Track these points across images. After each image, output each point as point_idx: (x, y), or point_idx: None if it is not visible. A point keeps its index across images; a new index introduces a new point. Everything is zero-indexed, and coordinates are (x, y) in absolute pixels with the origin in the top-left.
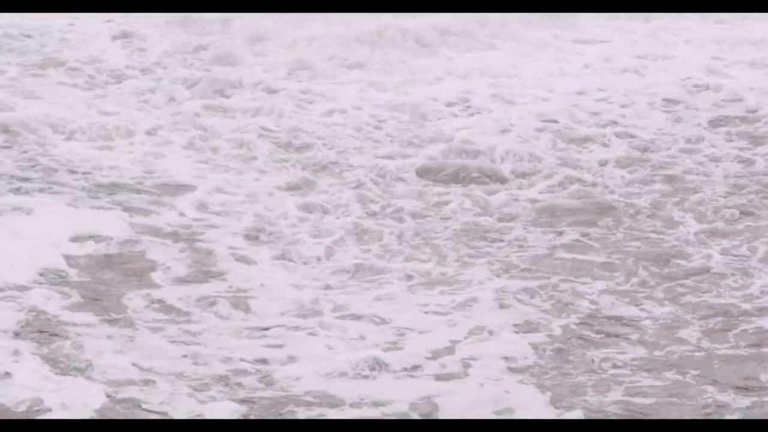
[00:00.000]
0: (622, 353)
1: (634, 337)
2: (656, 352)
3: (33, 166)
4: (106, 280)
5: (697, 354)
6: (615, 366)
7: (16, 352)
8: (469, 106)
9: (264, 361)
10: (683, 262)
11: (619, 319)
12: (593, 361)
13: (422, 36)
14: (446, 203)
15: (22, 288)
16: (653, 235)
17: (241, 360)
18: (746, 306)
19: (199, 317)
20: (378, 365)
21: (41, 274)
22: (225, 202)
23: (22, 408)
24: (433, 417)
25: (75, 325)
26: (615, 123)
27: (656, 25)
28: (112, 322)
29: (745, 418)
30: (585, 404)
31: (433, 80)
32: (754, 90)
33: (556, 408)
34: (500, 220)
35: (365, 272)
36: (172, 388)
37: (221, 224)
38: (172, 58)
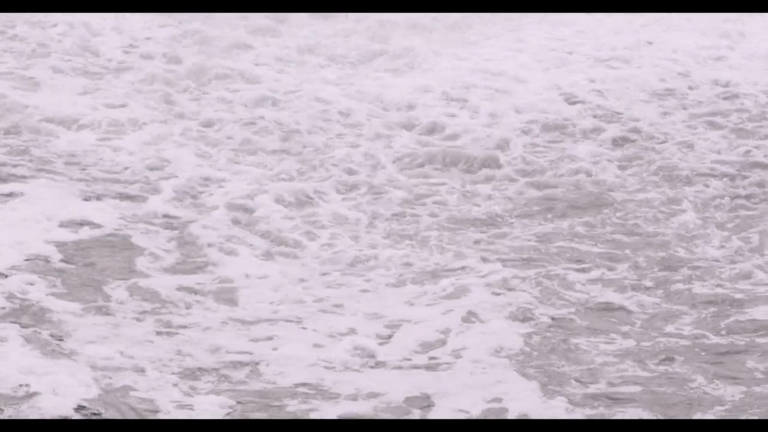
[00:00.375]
0: (610, 342)
1: (625, 326)
2: (645, 342)
3: (26, 155)
4: (94, 267)
5: (686, 344)
6: (604, 354)
7: (1, 338)
8: (459, 98)
9: (252, 353)
10: (677, 253)
11: (610, 308)
12: (583, 350)
13: (410, 28)
14: (437, 193)
15: (8, 273)
16: (647, 226)
17: (229, 352)
18: (739, 296)
19: (186, 308)
20: (369, 357)
21: (28, 260)
22: (216, 193)
23: (9, 392)
24: (428, 409)
25: (60, 312)
26: (609, 115)
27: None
28: (97, 309)
29: (734, 407)
30: (571, 393)
31: (423, 72)
32: (750, 82)
33: (545, 396)
34: (492, 209)
35: (356, 264)
36: (160, 377)
37: (211, 215)
38: (167, 49)
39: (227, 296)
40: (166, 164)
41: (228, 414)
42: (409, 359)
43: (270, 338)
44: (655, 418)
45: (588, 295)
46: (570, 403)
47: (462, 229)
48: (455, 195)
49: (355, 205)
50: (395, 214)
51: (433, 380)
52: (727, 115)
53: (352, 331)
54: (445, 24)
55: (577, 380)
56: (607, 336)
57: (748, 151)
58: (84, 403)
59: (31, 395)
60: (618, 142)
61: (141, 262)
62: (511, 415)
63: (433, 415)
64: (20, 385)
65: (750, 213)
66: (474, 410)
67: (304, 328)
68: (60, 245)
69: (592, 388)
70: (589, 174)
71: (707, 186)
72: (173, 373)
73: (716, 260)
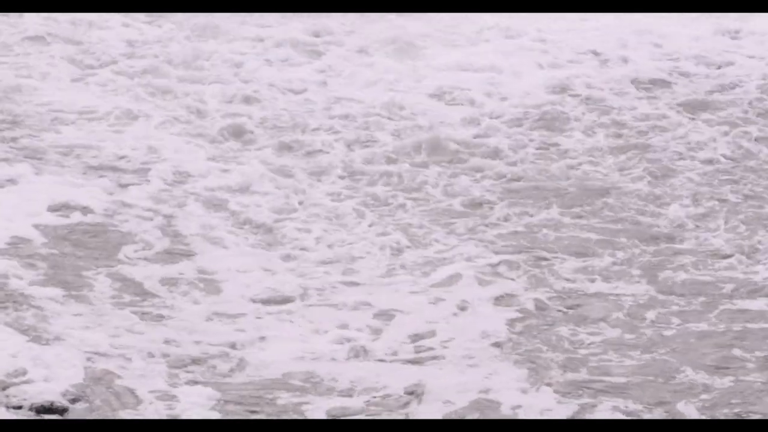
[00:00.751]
0: (598, 331)
1: (613, 315)
2: (632, 331)
3: (17, 142)
4: (78, 254)
5: (675, 333)
6: (591, 343)
7: None
8: (450, 90)
9: (238, 346)
10: (667, 243)
11: (598, 297)
12: (571, 338)
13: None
14: (426, 183)
15: None
16: (637, 216)
17: (214, 344)
18: (730, 286)
19: (170, 298)
20: (358, 349)
21: (10, 244)
22: (204, 184)
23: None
24: (418, 402)
25: (42, 298)
26: (601, 108)
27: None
28: (80, 297)
29: (720, 396)
30: (558, 382)
31: (414, 70)
32: (745, 75)
33: (533, 386)
34: (481, 199)
35: (343, 255)
36: (145, 367)
37: (198, 206)
38: (158, 41)
39: (212, 287)
40: (156, 154)
41: (215, 405)
42: (399, 350)
43: (256, 330)
44: (642, 406)
45: (576, 284)
46: (557, 393)
47: (450, 218)
48: (443, 185)
49: (342, 196)
50: (382, 205)
51: (422, 372)
52: (722, 108)
53: (340, 323)
54: (434, 27)
55: (564, 369)
56: (595, 325)
57: (740, 144)
58: (72, 389)
59: (18, 379)
60: (610, 135)
61: (126, 251)
62: (500, 406)
63: (423, 408)
64: (10, 370)
65: (742, 204)
66: (462, 402)
67: (291, 321)
68: (45, 230)
69: (580, 377)
70: (579, 165)
71: (699, 177)
72: (158, 363)
73: (706, 251)
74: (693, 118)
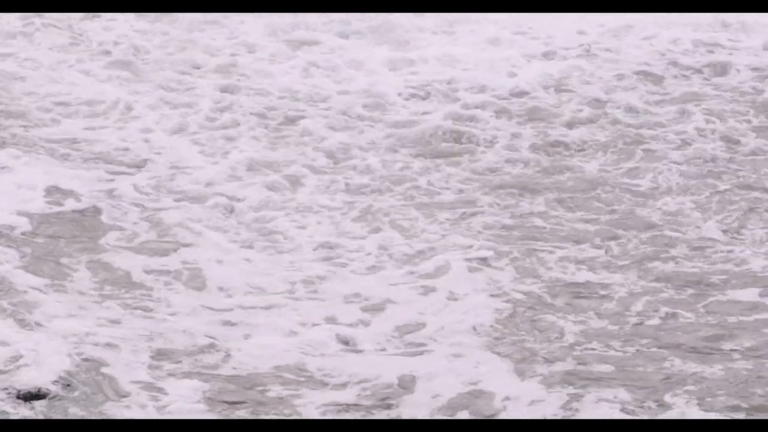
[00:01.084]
0: (587, 321)
1: (601, 305)
2: (621, 321)
3: (8, 131)
4: (64, 242)
5: (664, 323)
6: (580, 333)
7: None
8: (438, 84)
9: (225, 339)
10: (657, 234)
11: (587, 287)
12: (560, 328)
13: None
14: (414, 176)
15: None
16: (627, 207)
17: (200, 336)
18: (719, 277)
19: (157, 289)
20: (347, 342)
21: None
22: (192, 176)
23: None
24: (408, 394)
25: (23, 286)
26: (591, 101)
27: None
28: (62, 285)
29: (707, 387)
30: (546, 372)
31: (404, 64)
32: (735, 66)
33: (521, 377)
34: (468, 190)
35: (332, 248)
36: (130, 358)
37: (186, 198)
38: (153, 33)
39: (198, 280)
40: (147, 146)
41: (202, 397)
42: (388, 342)
43: (243, 323)
44: (630, 397)
45: (565, 274)
46: (545, 383)
47: (438, 210)
48: (432, 177)
49: (330, 189)
50: (370, 197)
51: (412, 364)
52: (713, 99)
53: (329, 316)
54: (419, 20)
55: (552, 359)
56: (584, 314)
57: (731, 135)
58: (57, 377)
59: (10, 366)
60: (601, 127)
61: (111, 241)
62: (491, 397)
63: (414, 400)
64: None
65: (735, 195)
66: (452, 394)
67: (279, 314)
68: (31, 217)
69: (569, 367)
70: (571, 157)
71: (691, 168)
72: (145, 354)
73: (697, 241)
74: (684, 111)
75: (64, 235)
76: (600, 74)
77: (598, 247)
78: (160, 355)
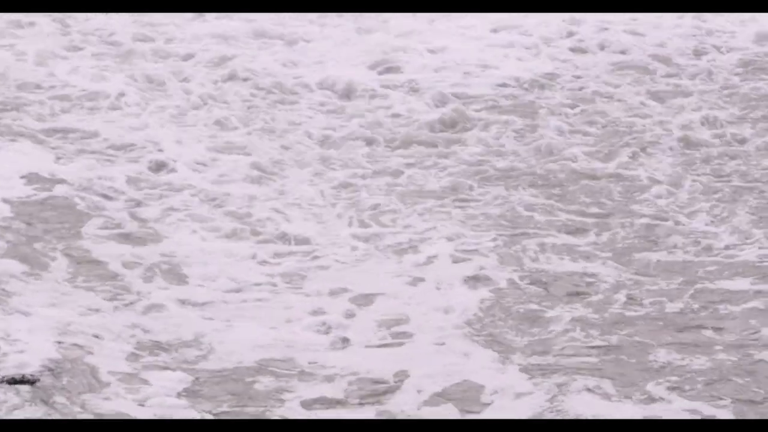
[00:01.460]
0: (573, 311)
1: (587, 295)
2: (606, 310)
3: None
4: (45, 229)
5: (649, 313)
6: (565, 323)
7: None
8: (424, 78)
9: (210, 331)
10: (648, 225)
11: (573, 276)
12: (546, 318)
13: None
14: (400, 167)
15: None
16: (614, 197)
17: (183, 328)
18: (708, 268)
19: (140, 281)
20: (332, 335)
21: None
22: (179, 168)
23: None
24: (395, 388)
25: (7, 274)
26: (580, 93)
27: None
28: (41, 276)
29: (691, 378)
30: (531, 363)
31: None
32: (722, 56)
33: (506, 367)
34: (458, 182)
35: (316, 239)
36: (113, 349)
37: (172, 190)
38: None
39: (180, 272)
40: (131, 136)
41: (186, 389)
42: (374, 335)
43: (226, 317)
44: (614, 389)
45: (551, 264)
46: (531, 373)
47: (423, 200)
48: (418, 168)
49: (314, 181)
50: (356, 189)
51: (399, 356)
52: (700, 93)
53: (315, 308)
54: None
55: (537, 350)
56: (570, 305)
57: (720, 127)
58: (47, 362)
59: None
60: (589, 120)
61: (93, 230)
62: (479, 389)
63: (403, 393)
64: None
65: (723, 187)
66: (440, 386)
67: (262, 308)
68: (12, 204)
69: (553, 358)
70: (560, 151)
71: (680, 161)
72: (127, 345)
73: (686, 232)
74: (673, 104)
75: (45, 223)
76: (589, 68)
77: (586, 238)
78: (142, 347)
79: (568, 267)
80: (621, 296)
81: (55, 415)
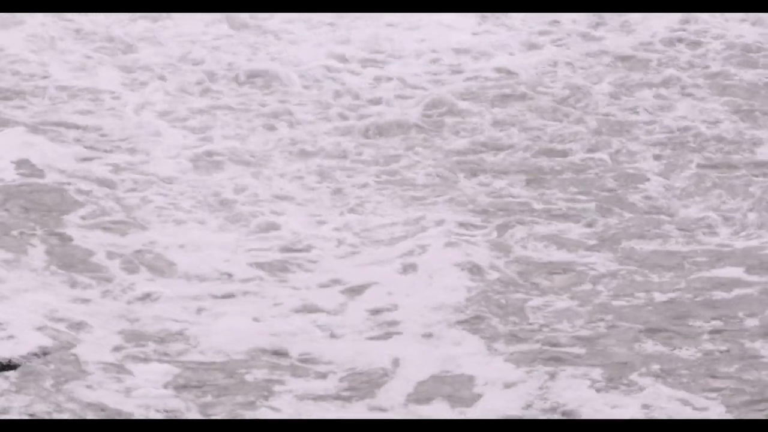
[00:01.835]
0: (561, 300)
1: (577, 285)
2: (595, 300)
3: None
4: (27, 217)
5: (639, 302)
6: (555, 312)
7: None
8: (408, 71)
9: (197, 323)
10: (640, 214)
11: (562, 266)
12: (535, 307)
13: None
14: (385, 158)
15: None
16: (605, 186)
17: (169, 320)
18: (701, 257)
19: (124, 270)
20: (321, 327)
21: None
22: (166, 158)
23: None
24: (385, 381)
25: None
26: (572, 84)
27: None
28: (25, 263)
29: (676, 367)
30: (519, 352)
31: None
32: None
33: (494, 357)
34: (448, 172)
35: (303, 231)
36: (99, 339)
37: (159, 179)
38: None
39: (167, 263)
40: (122, 127)
41: (171, 381)
42: (364, 326)
43: (213, 309)
44: (603, 378)
45: (542, 253)
46: (517, 363)
47: (413, 190)
48: (408, 158)
49: (301, 172)
50: (343, 179)
51: (390, 347)
52: (693, 84)
53: (305, 300)
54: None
55: (527, 338)
56: (560, 294)
57: (711, 115)
58: (33, 348)
59: None
60: (582, 111)
61: (80, 220)
62: (470, 379)
63: (394, 385)
64: None
65: (716, 174)
66: (427, 377)
67: (250, 300)
68: (1, 191)
69: (543, 347)
70: (550, 142)
71: (672, 149)
72: (112, 336)
73: (679, 222)
74: (666, 95)
75: (32, 212)
76: (582, 59)
77: (577, 227)
78: (127, 338)
79: (557, 256)
80: (611, 285)
81: (40, 404)
